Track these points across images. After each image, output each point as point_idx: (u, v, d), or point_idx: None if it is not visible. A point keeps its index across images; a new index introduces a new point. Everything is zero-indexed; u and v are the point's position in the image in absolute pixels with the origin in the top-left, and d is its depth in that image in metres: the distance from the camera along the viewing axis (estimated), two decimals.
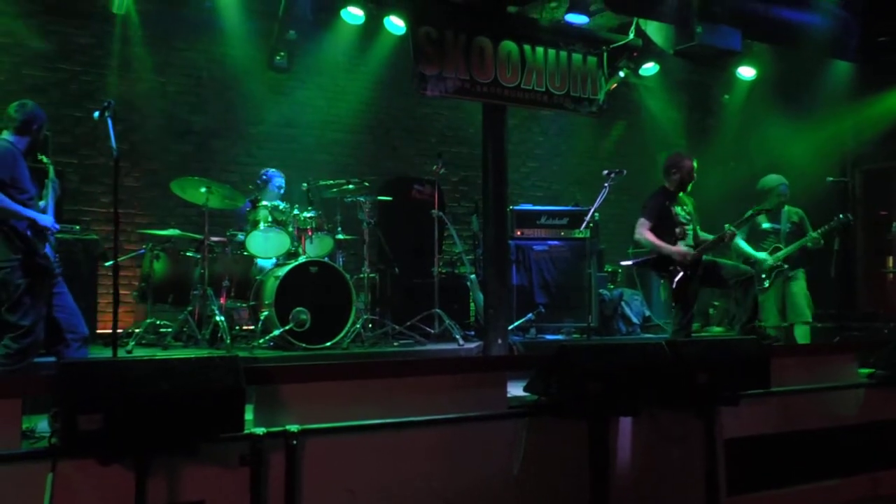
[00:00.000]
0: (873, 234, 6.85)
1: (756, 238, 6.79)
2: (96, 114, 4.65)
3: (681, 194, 6.19)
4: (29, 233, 4.38)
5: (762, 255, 6.64)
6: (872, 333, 8.12)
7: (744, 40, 6.80)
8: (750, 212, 6.31)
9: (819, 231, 6.65)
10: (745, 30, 6.73)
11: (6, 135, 4.50)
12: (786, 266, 6.67)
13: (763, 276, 6.65)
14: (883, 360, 5.07)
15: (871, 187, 10.00)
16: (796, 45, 7.42)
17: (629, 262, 8.19)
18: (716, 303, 8.94)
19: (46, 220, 4.49)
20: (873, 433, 4.88)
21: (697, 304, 6.39)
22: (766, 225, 6.80)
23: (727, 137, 10.48)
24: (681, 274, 5.93)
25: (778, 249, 6.67)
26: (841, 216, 6.67)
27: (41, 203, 4.58)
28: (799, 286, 6.72)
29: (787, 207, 6.86)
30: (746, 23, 6.75)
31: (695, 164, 6.26)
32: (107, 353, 5.49)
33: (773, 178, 6.94)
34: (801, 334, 6.69)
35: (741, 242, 6.75)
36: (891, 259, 9.44)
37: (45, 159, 4.69)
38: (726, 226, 6.11)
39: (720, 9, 6.51)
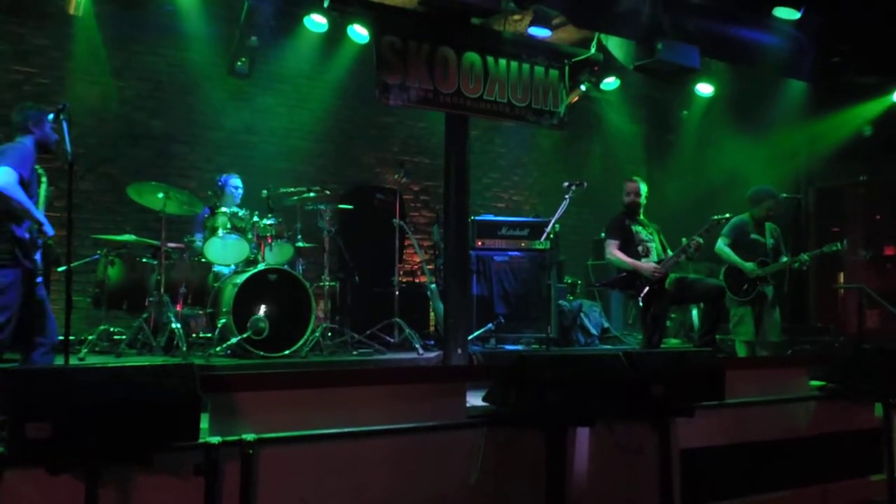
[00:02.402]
0: None
1: (744, 248, 6.74)
2: (51, 116, 4.57)
3: (642, 217, 6.42)
4: (27, 236, 4.45)
5: (750, 265, 6.62)
6: (823, 347, 8.31)
7: (702, 58, 6.92)
8: (716, 217, 6.35)
9: (809, 254, 6.76)
10: (703, 48, 6.87)
11: (18, 137, 4.63)
12: (771, 282, 6.68)
13: (745, 286, 6.62)
14: (833, 374, 5.19)
15: (824, 204, 10.24)
16: (753, 63, 7.58)
17: (598, 284, 8.31)
18: (672, 315, 9.06)
19: (49, 227, 4.60)
20: (823, 445, 4.97)
21: None
22: (753, 236, 6.77)
23: (685, 152, 10.66)
24: (647, 289, 6.08)
25: (765, 263, 6.67)
26: (838, 244, 6.71)
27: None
28: (777, 310, 6.78)
29: (766, 222, 6.89)
30: (705, 41, 6.88)
31: (639, 185, 6.52)
32: (58, 360, 5.37)
33: (768, 190, 6.96)
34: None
35: (727, 250, 6.73)
36: (842, 275, 9.68)
37: (40, 170, 4.77)
38: (683, 240, 6.24)
39: (680, 26, 6.63)
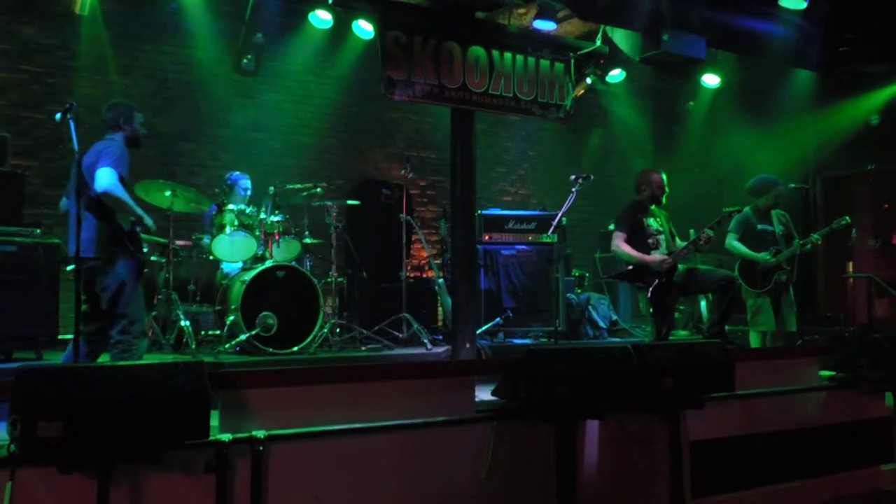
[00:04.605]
0: (834, 239, 6.96)
1: (752, 240, 6.66)
2: (58, 115, 4.57)
3: (653, 206, 6.36)
4: (137, 228, 4.64)
5: (763, 255, 6.54)
6: (833, 337, 8.27)
7: (708, 49, 6.88)
8: (727, 209, 6.29)
9: (820, 232, 6.66)
10: (709, 38, 6.82)
11: (109, 134, 4.75)
12: (787, 268, 6.62)
13: (762, 277, 6.54)
14: (843, 363, 5.17)
15: (832, 194, 10.19)
16: (759, 54, 7.53)
17: (607, 277, 8.28)
18: (681, 307, 9.04)
19: (149, 220, 4.77)
20: (833, 435, 4.96)
21: None
22: (760, 226, 6.70)
23: (692, 144, 10.62)
24: (656, 282, 6.05)
25: (778, 251, 6.58)
26: (846, 218, 6.64)
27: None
28: (793, 298, 6.72)
29: (773, 211, 6.82)
30: (711, 31, 6.83)
31: (664, 178, 6.39)
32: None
33: (769, 178, 6.90)
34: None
35: (738, 244, 6.65)
36: (851, 264, 9.64)
37: None
38: (692, 231, 6.20)
39: (686, 17, 6.59)
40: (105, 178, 4.45)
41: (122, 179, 4.54)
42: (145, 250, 4.93)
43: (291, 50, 8.80)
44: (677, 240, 6.40)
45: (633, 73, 9.12)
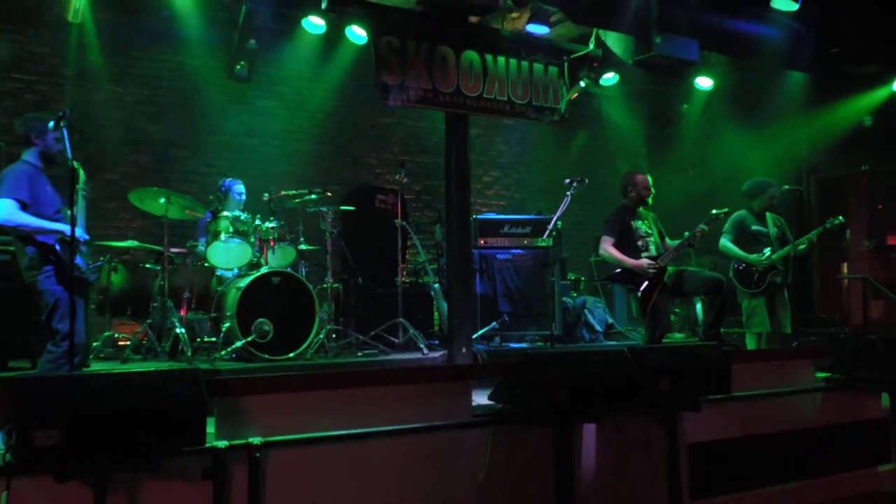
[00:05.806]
0: (828, 240, 6.98)
1: (746, 241, 6.68)
2: (51, 124, 4.58)
3: (640, 209, 6.39)
4: (58, 246, 4.57)
5: (754, 256, 6.56)
6: (829, 338, 8.29)
7: (701, 51, 6.90)
8: (716, 211, 6.29)
9: (814, 232, 6.67)
10: (702, 41, 6.84)
11: (23, 154, 4.71)
12: (782, 269, 6.60)
13: (756, 278, 6.55)
14: (839, 365, 5.18)
15: (826, 195, 10.22)
16: (752, 56, 7.55)
17: (598, 279, 8.30)
18: (677, 309, 9.05)
19: (68, 231, 4.54)
20: (831, 436, 4.97)
21: None
22: (755, 227, 6.72)
23: (686, 146, 10.64)
24: (646, 283, 6.06)
25: (772, 252, 6.61)
26: (840, 217, 6.65)
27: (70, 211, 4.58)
28: (786, 299, 6.74)
29: (768, 213, 6.83)
30: (704, 34, 6.85)
31: (649, 179, 6.44)
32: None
33: (763, 180, 6.93)
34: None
35: (731, 245, 6.67)
36: (845, 265, 9.67)
37: (76, 164, 4.64)
38: (686, 234, 6.21)
39: (678, 20, 6.61)
40: (0, 210, 4.46)
41: (25, 205, 4.51)
42: (80, 261, 4.69)
43: (285, 56, 8.81)
44: (667, 240, 6.42)
45: (627, 76, 9.14)
